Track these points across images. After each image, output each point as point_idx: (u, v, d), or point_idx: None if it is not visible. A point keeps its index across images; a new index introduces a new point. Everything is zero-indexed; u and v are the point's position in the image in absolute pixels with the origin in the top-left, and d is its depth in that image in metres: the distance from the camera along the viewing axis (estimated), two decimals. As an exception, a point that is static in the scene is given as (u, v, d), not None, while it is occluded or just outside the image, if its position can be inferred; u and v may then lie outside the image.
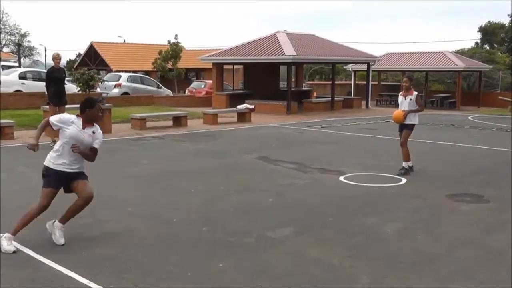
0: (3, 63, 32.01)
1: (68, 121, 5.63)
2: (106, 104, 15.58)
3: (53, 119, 5.69)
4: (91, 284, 4.65)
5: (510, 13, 55.36)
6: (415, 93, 9.89)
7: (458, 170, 10.48)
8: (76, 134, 5.61)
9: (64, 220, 5.71)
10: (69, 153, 5.58)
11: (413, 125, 9.96)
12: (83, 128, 5.66)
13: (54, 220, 5.74)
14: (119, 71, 33.41)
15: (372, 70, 30.25)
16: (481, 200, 8.02)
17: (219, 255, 5.40)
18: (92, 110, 5.68)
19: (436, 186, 8.90)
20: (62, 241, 5.63)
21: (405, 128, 9.94)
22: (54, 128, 5.65)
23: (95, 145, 5.74)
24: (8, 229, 5.58)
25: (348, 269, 5.14)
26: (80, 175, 5.73)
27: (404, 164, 9.80)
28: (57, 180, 5.60)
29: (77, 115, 5.71)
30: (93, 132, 5.73)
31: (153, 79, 31.42)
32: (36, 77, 23.58)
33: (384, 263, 5.31)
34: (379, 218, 6.88)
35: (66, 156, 5.59)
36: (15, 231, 5.54)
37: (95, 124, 5.78)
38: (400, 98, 10.01)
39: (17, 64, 41.61)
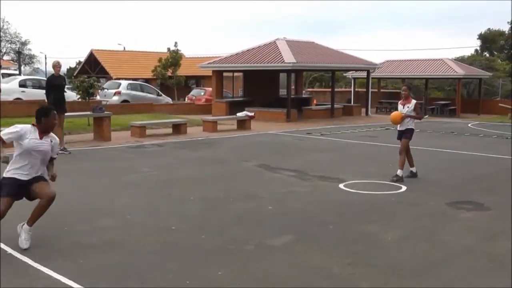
0: (3, 71, 32.02)
1: (24, 134, 5.57)
2: (106, 112, 15.59)
3: (5, 134, 5.59)
4: (90, 292, 4.62)
5: (509, 21, 55.46)
6: (413, 101, 10.04)
7: (458, 177, 10.46)
8: (35, 145, 5.60)
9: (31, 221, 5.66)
10: (30, 162, 5.62)
11: (411, 131, 10.02)
12: (41, 138, 5.66)
13: (23, 223, 5.69)
14: (119, 79, 33.45)
15: (372, 78, 30.29)
16: (481, 207, 8.00)
17: (218, 263, 5.37)
18: (48, 119, 5.66)
19: (436, 193, 8.87)
20: (26, 245, 5.55)
21: (403, 135, 10.00)
22: (7, 142, 5.57)
23: (54, 156, 5.83)
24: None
25: (348, 277, 5.11)
26: (39, 178, 5.72)
27: (399, 172, 9.79)
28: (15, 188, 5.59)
29: (33, 124, 5.68)
30: (51, 141, 5.76)
31: (153, 87, 31.46)
32: (36, 85, 23.60)
33: (385, 270, 5.28)
34: (379, 226, 6.85)
35: (28, 166, 5.61)
36: None
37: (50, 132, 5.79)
38: (400, 107, 10.18)
39: (17, 72, 41.63)
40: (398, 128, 10.23)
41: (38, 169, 5.69)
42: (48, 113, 5.66)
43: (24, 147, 5.57)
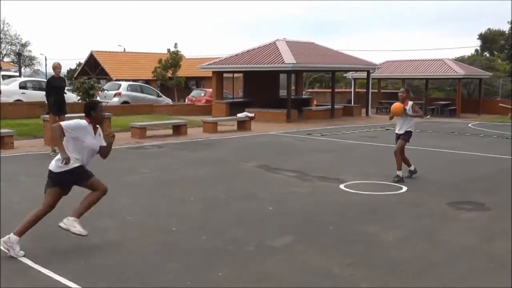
0: (3, 72, 32.01)
1: (83, 130, 5.62)
2: (106, 113, 15.59)
3: (67, 126, 5.56)
4: (90, 293, 4.62)
5: (509, 20, 55.46)
6: (410, 102, 9.97)
7: (458, 177, 10.45)
8: (94, 144, 5.74)
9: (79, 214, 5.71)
10: (87, 158, 5.76)
11: (409, 134, 10.00)
12: (95, 133, 5.80)
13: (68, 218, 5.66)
14: (119, 80, 33.47)
15: (372, 78, 30.29)
16: (482, 207, 7.99)
17: (218, 264, 5.37)
18: (96, 112, 5.78)
19: (436, 193, 8.87)
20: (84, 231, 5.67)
21: (401, 136, 9.98)
22: (67, 135, 5.54)
23: (104, 143, 5.93)
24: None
25: (348, 278, 5.11)
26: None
27: (399, 173, 9.79)
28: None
29: (88, 121, 5.74)
30: (99, 134, 5.89)
31: (153, 88, 31.48)
32: (36, 87, 23.60)
33: (385, 271, 5.28)
34: (379, 226, 6.85)
35: (86, 160, 5.74)
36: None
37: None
38: None
39: (17, 74, 41.63)
40: (396, 131, 10.18)
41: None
42: (95, 107, 5.80)
43: (85, 145, 5.63)
